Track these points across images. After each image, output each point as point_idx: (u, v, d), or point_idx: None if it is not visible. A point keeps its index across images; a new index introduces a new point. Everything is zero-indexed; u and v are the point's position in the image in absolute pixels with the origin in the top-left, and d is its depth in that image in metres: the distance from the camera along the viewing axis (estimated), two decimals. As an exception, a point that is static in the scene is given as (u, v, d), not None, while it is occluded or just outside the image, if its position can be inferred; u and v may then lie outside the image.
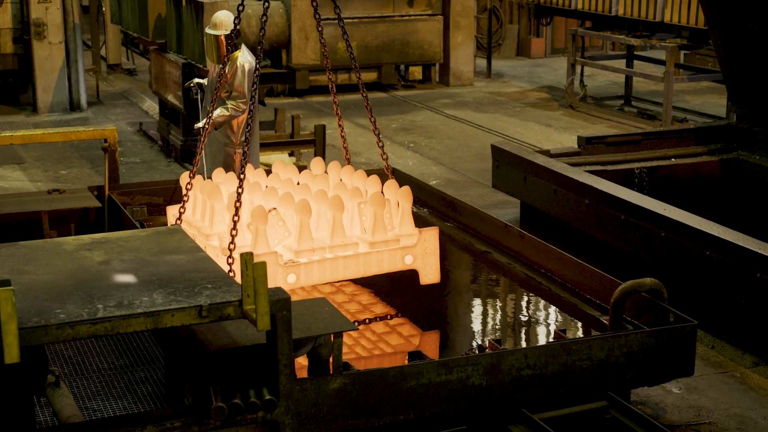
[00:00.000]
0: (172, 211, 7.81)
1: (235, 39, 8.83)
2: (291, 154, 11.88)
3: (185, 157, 12.52)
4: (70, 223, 8.05)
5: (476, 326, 7.05)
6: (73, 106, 16.00)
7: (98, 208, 8.12)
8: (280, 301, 4.93)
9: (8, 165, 12.80)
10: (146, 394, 6.01)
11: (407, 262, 7.13)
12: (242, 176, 6.70)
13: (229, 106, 9.42)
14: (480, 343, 6.42)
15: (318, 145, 11.28)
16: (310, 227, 6.90)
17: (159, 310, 4.75)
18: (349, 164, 7.95)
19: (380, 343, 6.81)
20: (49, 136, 8.75)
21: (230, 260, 6.52)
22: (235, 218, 6.58)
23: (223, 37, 9.37)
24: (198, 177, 7.64)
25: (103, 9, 18.75)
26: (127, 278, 5.21)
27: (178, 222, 7.35)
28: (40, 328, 4.56)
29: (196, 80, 9.96)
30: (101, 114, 16.01)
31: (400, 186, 7.37)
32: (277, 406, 5.07)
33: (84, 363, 6.44)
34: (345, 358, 6.22)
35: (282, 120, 12.17)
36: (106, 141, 8.40)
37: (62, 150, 13.38)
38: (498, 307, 7.31)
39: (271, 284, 6.26)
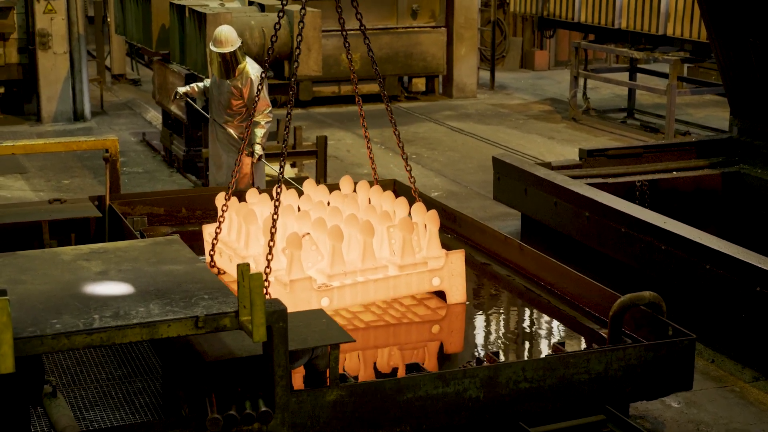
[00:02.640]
0: (208, 230, 7.95)
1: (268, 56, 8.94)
2: (293, 165, 11.89)
3: (187, 167, 12.53)
4: (71, 233, 8.05)
5: (474, 339, 7.04)
6: (77, 116, 16.03)
7: (99, 218, 8.12)
8: (277, 312, 4.92)
9: (11, 174, 12.81)
10: (143, 405, 6.01)
11: (434, 284, 7.29)
12: (277, 203, 6.85)
13: (262, 122, 9.51)
14: (478, 355, 6.40)
15: (320, 156, 11.28)
16: (342, 252, 7.08)
17: (155, 320, 4.75)
18: (377, 184, 8.18)
19: (408, 313, 7.16)
20: (50, 145, 8.76)
21: (267, 283, 6.65)
22: (271, 243, 6.73)
23: (228, 55, 9.36)
24: (233, 198, 7.76)
25: (108, 20, 18.79)
26: (123, 288, 5.21)
27: (214, 242, 7.50)
28: (36, 338, 4.56)
29: (181, 90, 10.01)
30: (105, 124, 16.04)
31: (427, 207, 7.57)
32: (272, 417, 5.06)
33: (82, 373, 6.44)
34: (374, 325, 6.79)
35: (282, 131, 12.17)
36: (107, 151, 8.41)
37: (65, 160, 13.39)
38: (496, 319, 7.30)
39: (305, 308, 6.38)
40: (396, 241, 7.28)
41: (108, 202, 8.29)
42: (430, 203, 9.03)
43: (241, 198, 8.15)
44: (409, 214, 7.53)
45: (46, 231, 7.83)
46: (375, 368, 6.48)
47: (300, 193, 8.26)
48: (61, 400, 5.51)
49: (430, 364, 6.50)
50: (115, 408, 5.96)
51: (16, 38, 15.89)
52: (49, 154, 13.02)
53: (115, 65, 19.88)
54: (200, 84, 10.12)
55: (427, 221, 7.39)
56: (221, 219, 7.54)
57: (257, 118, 9.52)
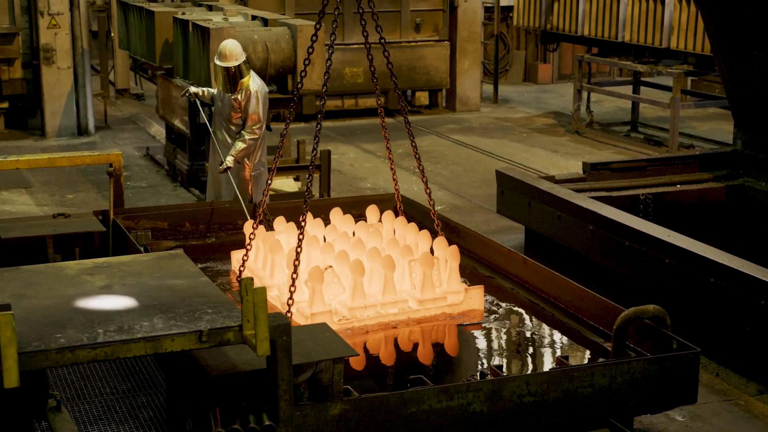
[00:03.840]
0: (236, 256, 8.12)
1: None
2: (296, 179, 11.91)
3: (191, 181, 12.54)
4: (75, 248, 8.05)
5: (478, 352, 7.03)
6: (81, 130, 16.05)
7: (103, 232, 8.12)
8: (280, 326, 4.92)
9: (15, 189, 12.83)
10: (148, 419, 6.01)
11: None
12: (301, 236, 6.98)
13: (246, 137, 9.50)
14: (481, 369, 6.40)
15: (323, 170, 11.28)
16: (363, 286, 7.22)
17: (159, 335, 4.75)
18: (402, 215, 8.40)
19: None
20: (54, 160, 8.77)
21: (289, 315, 6.78)
22: (294, 276, 6.88)
23: (234, 68, 9.38)
24: (261, 227, 7.95)
25: (112, 34, 18.84)
26: (127, 303, 5.21)
27: (241, 269, 7.67)
28: (40, 353, 4.56)
29: (192, 89, 10.01)
30: (109, 138, 16.06)
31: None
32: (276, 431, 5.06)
33: (86, 387, 6.44)
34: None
35: (288, 145, 12.20)
36: (111, 165, 8.42)
37: (69, 174, 13.42)
38: (500, 333, 7.29)
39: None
40: (417, 275, 7.42)
41: (112, 216, 8.30)
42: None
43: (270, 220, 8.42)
44: (431, 249, 7.73)
45: (50, 245, 7.84)
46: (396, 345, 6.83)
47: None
48: (66, 414, 5.51)
49: (450, 341, 6.72)
50: (120, 422, 5.95)
51: (21, 53, 15.93)
52: (53, 168, 13.04)
53: (118, 80, 19.92)
54: (211, 90, 10.15)
55: (448, 256, 7.52)
56: (248, 247, 7.71)
57: (244, 132, 9.55)
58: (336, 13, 7.31)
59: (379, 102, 8.04)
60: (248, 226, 7.96)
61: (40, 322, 4.89)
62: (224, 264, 8.42)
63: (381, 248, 7.56)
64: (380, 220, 8.48)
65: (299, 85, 7.65)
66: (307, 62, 7.48)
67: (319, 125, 7.26)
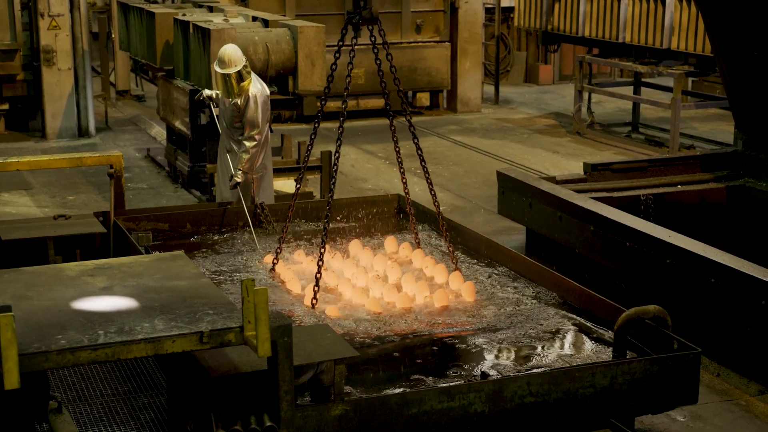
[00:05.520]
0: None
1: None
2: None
3: (192, 182, 12.54)
4: (76, 249, 8.06)
5: (480, 352, 7.02)
6: (82, 132, 16.05)
7: (104, 233, 8.12)
8: (281, 327, 4.92)
9: (16, 191, 12.83)
10: (149, 421, 6.01)
11: None
12: (319, 275, 7.25)
13: (248, 146, 9.46)
14: (483, 369, 6.39)
15: (324, 171, 11.29)
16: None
17: (160, 336, 4.76)
18: (419, 248, 8.59)
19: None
20: (55, 162, 8.79)
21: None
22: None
23: (235, 74, 9.35)
24: (280, 260, 8.08)
25: (113, 36, 18.84)
26: (128, 304, 5.21)
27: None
28: (41, 354, 4.57)
29: (207, 92, 9.97)
30: (109, 140, 16.06)
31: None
32: (277, 433, 5.06)
33: (87, 389, 6.44)
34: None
35: (289, 146, 12.20)
36: (112, 167, 8.43)
37: (70, 176, 13.41)
38: (501, 333, 7.28)
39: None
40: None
41: (113, 217, 8.30)
42: (434, 218, 9.06)
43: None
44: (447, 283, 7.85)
45: (51, 247, 7.84)
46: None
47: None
48: (67, 415, 5.52)
49: (451, 342, 6.82)
50: (121, 423, 5.96)
51: (21, 54, 15.93)
52: (54, 170, 13.04)
53: (119, 81, 19.92)
54: None
55: (463, 291, 7.62)
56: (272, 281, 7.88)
57: (244, 140, 9.51)
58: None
59: (388, 106, 8.05)
60: (268, 259, 8.04)
61: (41, 324, 4.90)
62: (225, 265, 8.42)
63: (397, 283, 7.75)
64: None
65: (326, 90, 7.70)
66: (334, 67, 7.54)
67: (341, 127, 7.50)
